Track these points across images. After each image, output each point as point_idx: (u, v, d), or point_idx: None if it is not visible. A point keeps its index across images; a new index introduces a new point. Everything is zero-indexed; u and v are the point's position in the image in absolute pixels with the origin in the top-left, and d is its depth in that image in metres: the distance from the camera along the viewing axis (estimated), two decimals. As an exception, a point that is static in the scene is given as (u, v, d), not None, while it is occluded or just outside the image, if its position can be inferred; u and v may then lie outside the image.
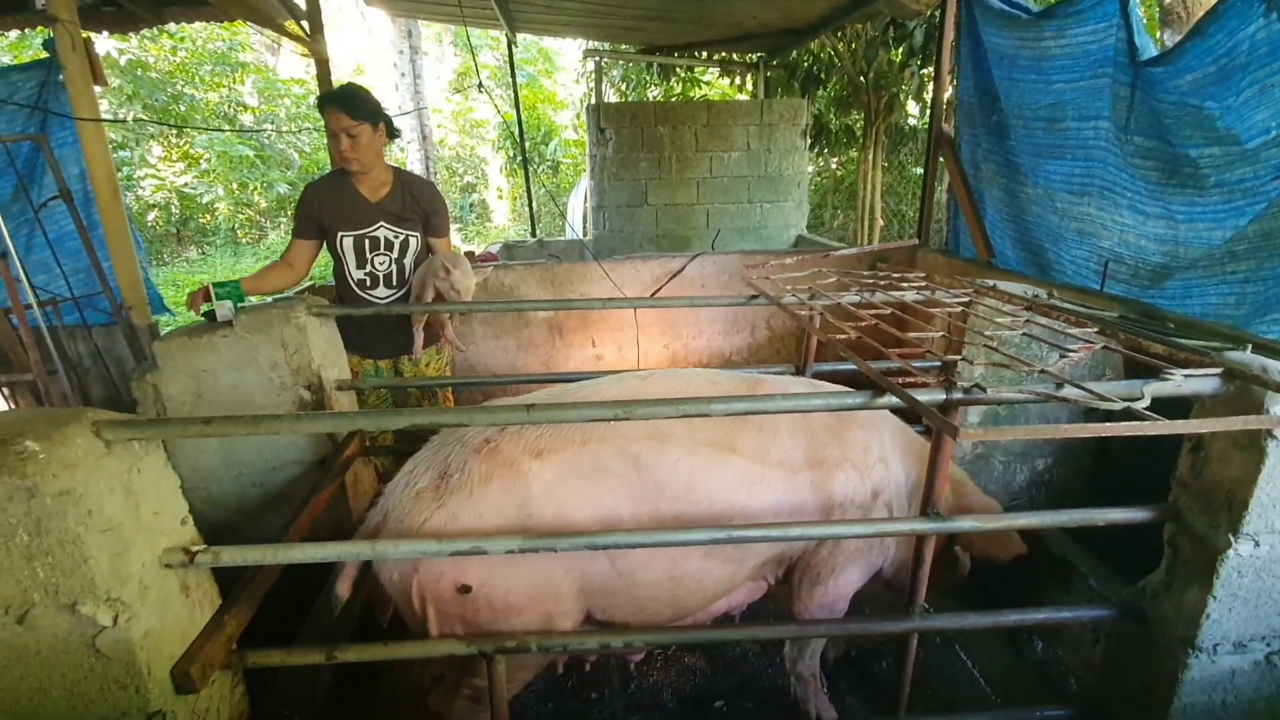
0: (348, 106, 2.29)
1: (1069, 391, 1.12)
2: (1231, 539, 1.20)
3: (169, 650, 1.30)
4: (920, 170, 8.08)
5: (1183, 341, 1.36)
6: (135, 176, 11.36)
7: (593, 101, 6.89)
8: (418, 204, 2.52)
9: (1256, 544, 1.20)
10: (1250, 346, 1.25)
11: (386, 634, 2.17)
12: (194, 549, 1.28)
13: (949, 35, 3.27)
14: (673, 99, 8.98)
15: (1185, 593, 1.30)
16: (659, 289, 3.89)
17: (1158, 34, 3.96)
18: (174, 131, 11.74)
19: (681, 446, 1.50)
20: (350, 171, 2.38)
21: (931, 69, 5.29)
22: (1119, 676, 1.50)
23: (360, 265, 2.47)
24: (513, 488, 1.40)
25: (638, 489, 1.46)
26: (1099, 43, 2.31)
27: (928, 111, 4.94)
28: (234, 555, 1.26)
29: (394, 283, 2.54)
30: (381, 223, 2.45)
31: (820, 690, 1.87)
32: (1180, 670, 1.30)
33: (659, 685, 2.04)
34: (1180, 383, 1.16)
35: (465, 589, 1.38)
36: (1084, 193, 2.49)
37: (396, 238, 2.48)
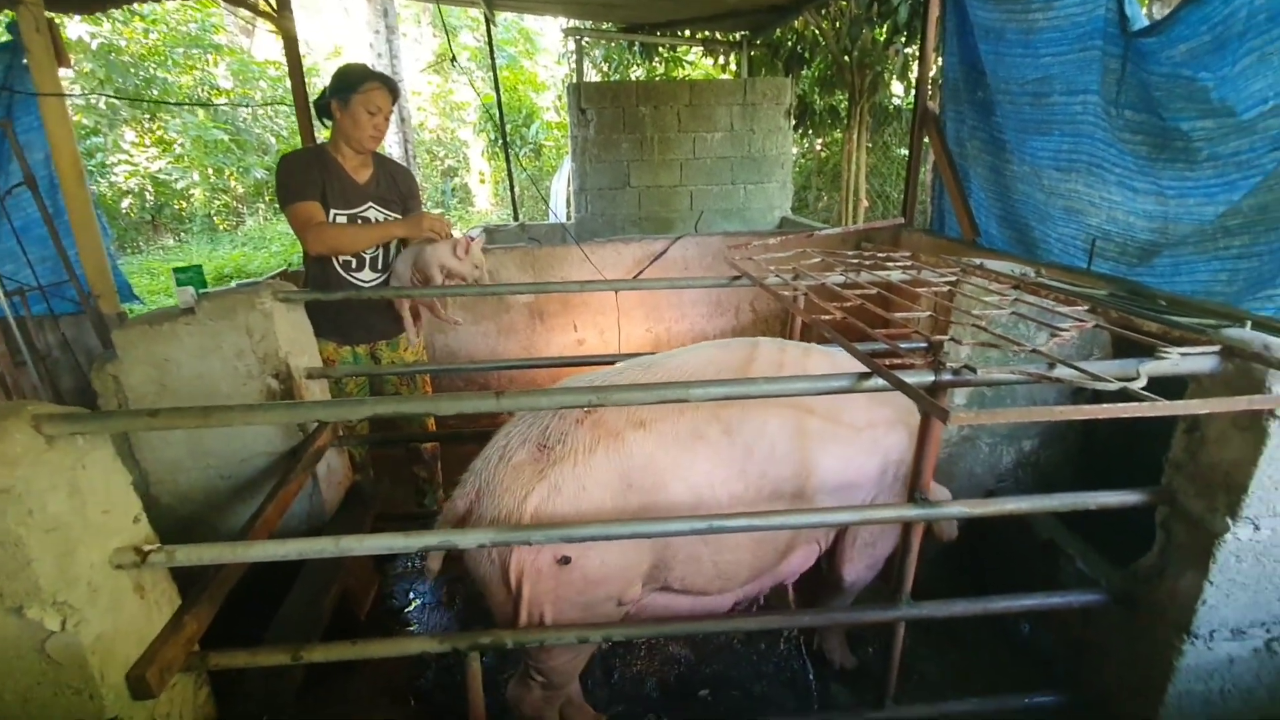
0: (393, 89, 2.33)
1: (1062, 371, 1.08)
2: (1230, 522, 1.16)
3: (124, 654, 1.23)
4: (904, 151, 8.02)
5: (1178, 319, 1.32)
6: (108, 163, 11.04)
7: (574, 81, 6.75)
8: (397, 187, 2.49)
9: (1256, 528, 1.17)
10: (1250, 324, 1.21)
11: (358, 631, 2.13)
12: (147, 548, 1.21)
13: (934, 11, 3.19)
14: (655, 79, 8.84)
15: (1180, 578, 1.27)
16: (641, 271, 3.82)
17: (1147, 4, 3.91)
18: (147, 116, 11.40)
19: (768, 409, 1.51)
20: (358, 150, 2.34)
21: (916, 46, 5.22)
22: (1111, 663, 1.47)
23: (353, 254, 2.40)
24: (617, 457, 1.39)
25: (728, 454, 1.46)
26: (1088, 14, 2.25)
27: (912, 90, 4.86)
28: (190, 554, 1.20)
29: (379, 266, 2.47)
30: (371, 204, 2.40)
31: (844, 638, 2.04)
32: (1175, 657, 1.27)
33: (642, 675, 2.01)
34: (1177, 362, 1.12)
35: (565, 560, 1.37)
36: (1071, 169, 2.44)
37: (385, 220, 2.42)
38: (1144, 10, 2.22)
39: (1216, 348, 1.15)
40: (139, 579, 1.26)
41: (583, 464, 1.37)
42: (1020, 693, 1.56)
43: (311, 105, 2.44)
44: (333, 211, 2.32)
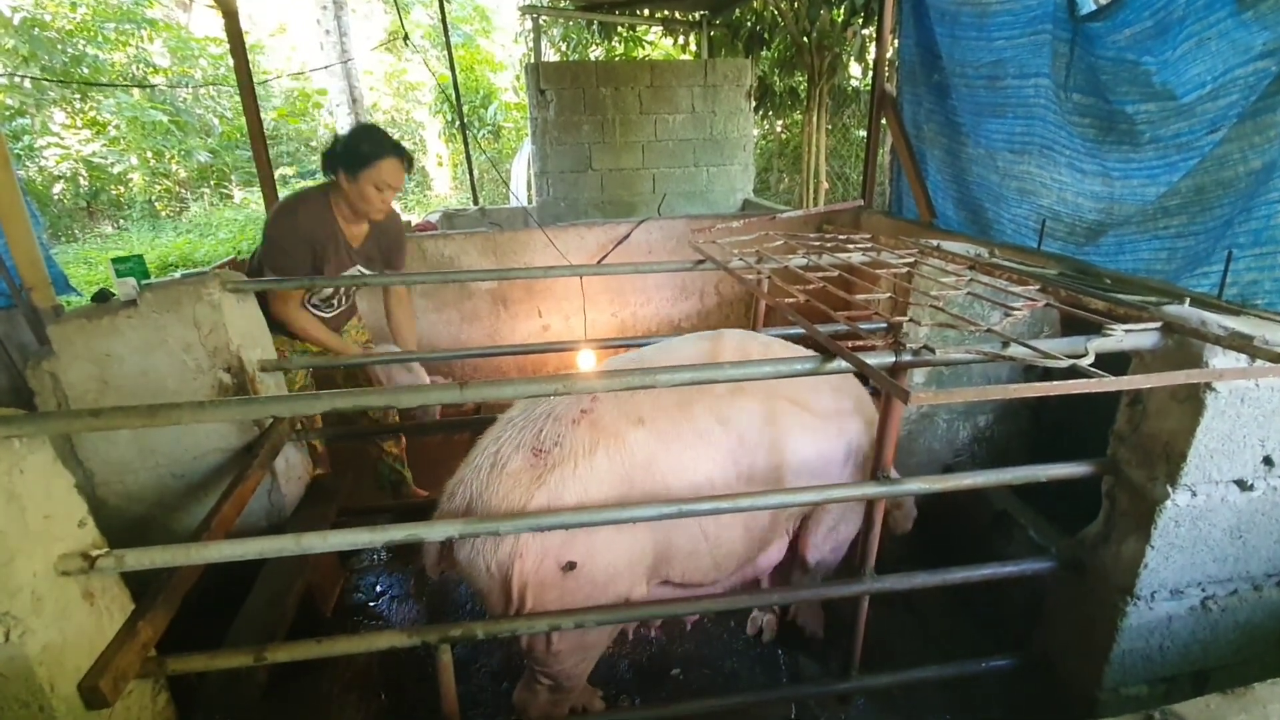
0: (409, 160, 2.22)
1: (1015, 350, 1.11)
2: (1169, 490, 1.22)
3: (75, 664, 1.19)
4: (863, 133, 8.10)
5: (1122, 297, 1.37)
6: (36, 146, 10.41)
7: (532, 61, 6.62)
8: (384, 243, 2.45)
9: (1194, 494, 1.23)
10: (1188, 300, 1.26)
11: (324, 628, 2.10)
12: (94, 553, 1.16)
13: (891, -8, 3.21)
14: (615, 59, 8.73)
15: (1123, 543, 1.33)
16: (605, 256, 3.80)
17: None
18: (78, 96, 10.77)
19: (755, 398, 1.52)
20: (366, 218, 2.26)
21: (874, 28, 5.25)
22: (1060, 625, 1.54)
23: (319, 293, 2.37)
24: (618, 458, 1.36)
25: (724, 444, 1.47)
26: (1039, -2, 2.29)
27: (870, 73, 4.91)
28: (141, 558, 1.15)
29: (340, 304, 2.48)
30: (358, 265, 2.37)
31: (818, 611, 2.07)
32: (1119, 618, 1.34)
33: (615, 657, 2.02)
34: (1122, 338, 1.17)
35: (571, 566, 1.34)
36: (1024, 151, 2.50)
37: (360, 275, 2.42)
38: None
39: (1158, 324, 1.20)
40: (87, 585, 1.22)
41: (584, 467, 1.33)
42: (977, 658, 1.62)
43: (321, 155, 2.27)
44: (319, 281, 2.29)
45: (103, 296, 1.90)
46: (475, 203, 6.77)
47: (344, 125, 10.41)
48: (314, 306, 2.39)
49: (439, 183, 15.45)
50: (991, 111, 2.64)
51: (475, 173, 7.01)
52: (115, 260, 1.84)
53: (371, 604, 2.36)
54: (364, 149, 2.12)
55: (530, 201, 7.11)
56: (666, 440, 1.41)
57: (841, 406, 1.66)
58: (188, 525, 2.00)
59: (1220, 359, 1.14)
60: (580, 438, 1.36)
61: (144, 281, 1.85)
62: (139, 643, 1.24)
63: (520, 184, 9.02)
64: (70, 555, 1.15)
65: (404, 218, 5.60)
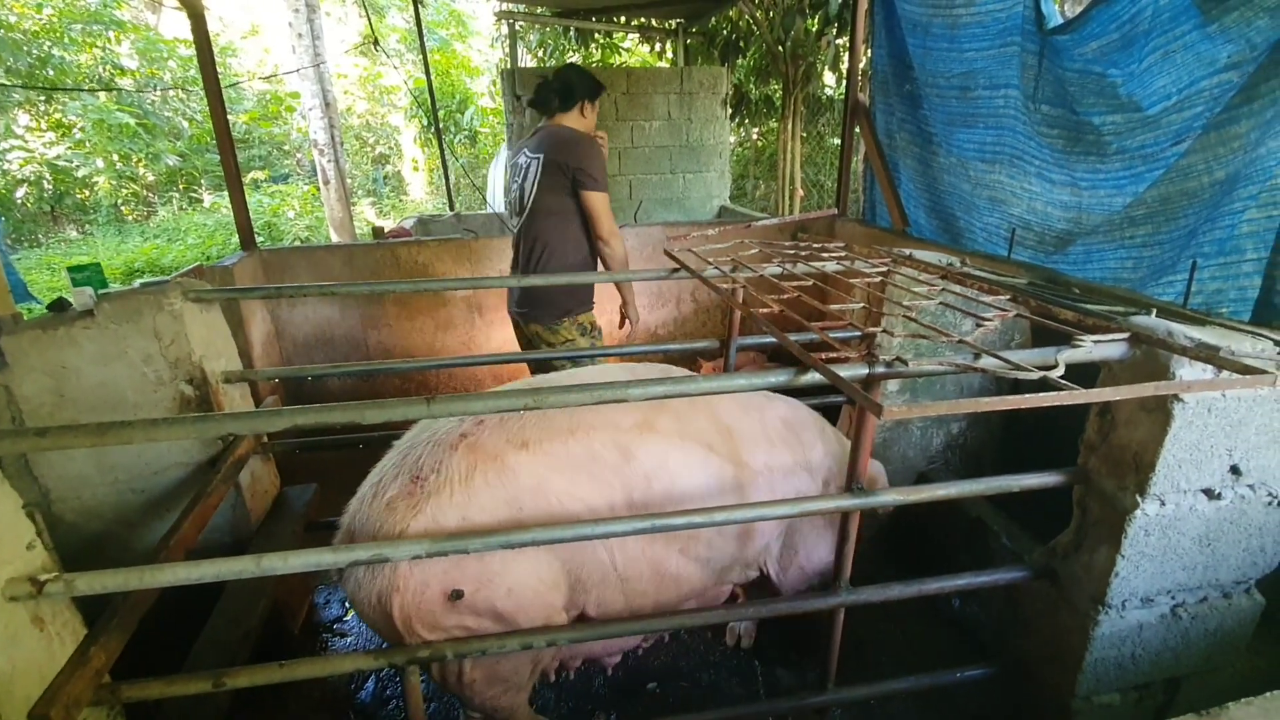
0: None
1: (986, 362, 1.11)
2: (1139, 499, 1.24)
3: (24, 692, 1.13)
4: (837, 140, 8.18)
5: (1090, 307, 1.39)
6: (0, 149, 10.12)
7: (508, 66, 6.59)
8: None
9: (1163, 503, 1.24)
10: (1155, 311, 1.27)
11: (292, 644, 2.05)
12: (43, 578, 1.11)
13: (862, 4, 3.25)
14: (591, 65, 8.73)
15: (1095, 552, 1.34)
16: (582, 263, 3.77)
17: (1060, 2, 4.09)
18: (43, 98, 10.50)
19: (670, 440, 1.47)
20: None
21: (847, 38, 5.31)
22: (1034, 634, 1.55)
23: None
24: (499, 483, 1.31)
25: (627, 481, 1.42)
26: (1007, 11, 2.33)
27: (844, 81, 4.96)
28: (92, 582, 1.10)
29: None
30: None
31: None
32: (1091, 626, 1.35)
33: (590, 671, 1.99)
34: (1091, 349, 1.18)
35: (457, 594, 1.27)
36: (995, 161, 2.54)
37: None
38: (1058, 8, 2.32)
39: (1125, 335, 1.21)
40: (36, 610, 1.16)
41: (460, 493, 1.28)
42: (952, 668, 1.62)
43: (557, 96, 2.59)
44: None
45: (60, 306, 1.83)
46: (451, 208, 6.70)
47: (316, 129, 10.23)
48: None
49: (414, 188, 15.32)
50: (963, 121, 2.67)
51: (451, 178, 6.95)
52: (71, 269, 1.78)
53: (342, 619, 2.30)
54: (595, 80, 2.59)
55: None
56: (558, 464, 1.36)
57: (775, 462, 1.59)
58: (148, 542, 1.93)
59: (1187, 370, 1.15)
60: (457, 463, 1.31)
61: (101, 290, 1.79)
62: (91, 669, 1.19)
63: (497, 189, 8.96)
64: (18, 580, 1.10)
65: (379, 224, 5.54)
